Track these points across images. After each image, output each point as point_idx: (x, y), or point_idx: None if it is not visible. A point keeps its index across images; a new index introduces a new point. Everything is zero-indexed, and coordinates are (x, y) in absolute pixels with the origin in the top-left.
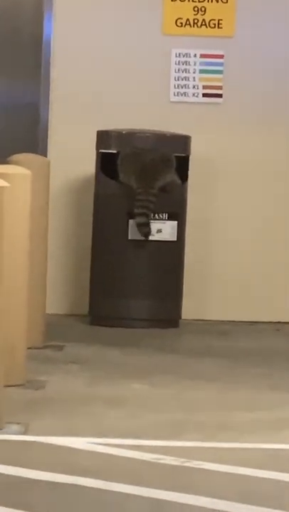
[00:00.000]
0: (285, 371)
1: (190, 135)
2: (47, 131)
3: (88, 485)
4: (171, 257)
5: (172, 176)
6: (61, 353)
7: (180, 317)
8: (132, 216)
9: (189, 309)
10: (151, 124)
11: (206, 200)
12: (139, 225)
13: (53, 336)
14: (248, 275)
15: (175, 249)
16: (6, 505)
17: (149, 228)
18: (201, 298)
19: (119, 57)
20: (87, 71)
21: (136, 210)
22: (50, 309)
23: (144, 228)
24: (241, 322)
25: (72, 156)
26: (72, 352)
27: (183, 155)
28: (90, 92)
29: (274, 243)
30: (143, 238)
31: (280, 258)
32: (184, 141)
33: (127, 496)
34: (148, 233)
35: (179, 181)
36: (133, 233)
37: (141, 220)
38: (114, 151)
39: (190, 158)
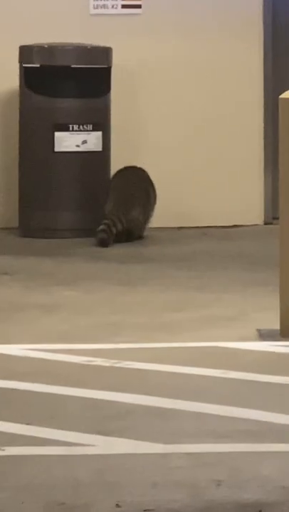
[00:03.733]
0: (210, 273)
1: (111, 47)
2: None
3: (26, 388)
4: (97, 167)
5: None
6: None
7: None
8: (57, 129)
9: None
10: (73, 38)
11: (129, 109)
12: (98, 232)
13: None
14: (174, 181)
15: (101, 159)
16: None
17: (108, 239)
18: None
19: None
20: None
21: (100, 227)
22: None
23: (101, 234)
24: (169, 228)
25: None
26: (4, 264)
27: (104, 66)
28: (10, 7)
29: (197, 147)
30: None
31: (206, 163)
32: (105, 53)
33: (63, 397)
34: (104, 240)
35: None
36: (59, 145)
37: (100, 235)
38: (38, 65)
39: (112, 69)
